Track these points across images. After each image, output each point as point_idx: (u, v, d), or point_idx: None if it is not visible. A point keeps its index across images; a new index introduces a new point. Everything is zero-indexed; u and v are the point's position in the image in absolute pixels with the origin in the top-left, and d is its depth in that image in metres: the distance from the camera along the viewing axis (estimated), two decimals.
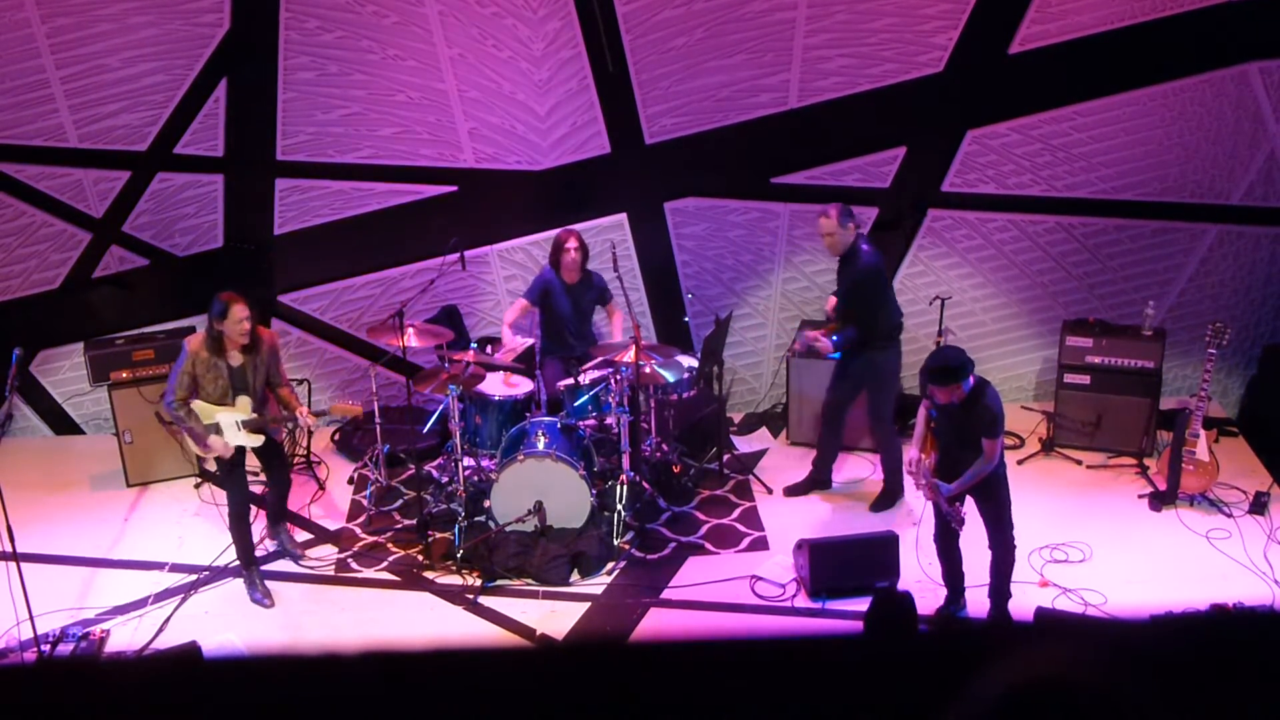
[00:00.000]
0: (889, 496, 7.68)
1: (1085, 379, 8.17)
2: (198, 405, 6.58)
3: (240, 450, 6.74)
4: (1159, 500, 7.55)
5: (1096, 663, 1.27)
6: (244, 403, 6.62)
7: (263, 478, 7.14)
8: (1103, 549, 7.08)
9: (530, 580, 6.91)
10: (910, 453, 6.29)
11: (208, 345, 6.50)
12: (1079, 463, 8.13)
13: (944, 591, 6.56)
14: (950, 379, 5.91)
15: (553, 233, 8.03)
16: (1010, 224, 8.49)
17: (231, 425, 6.62)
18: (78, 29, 7.78)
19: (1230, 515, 7.40)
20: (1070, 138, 8.21)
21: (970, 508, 6.25)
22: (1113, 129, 8.17)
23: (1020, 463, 8.03)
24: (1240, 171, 8.23)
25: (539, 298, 7.85)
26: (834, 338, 7.28)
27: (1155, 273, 8.54)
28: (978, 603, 6.51)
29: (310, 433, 8.36)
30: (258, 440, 6.71)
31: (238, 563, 7.01)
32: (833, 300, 7.53)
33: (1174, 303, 8.58)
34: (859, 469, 8.08)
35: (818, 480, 7.83)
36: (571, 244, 7.71)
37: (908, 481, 7.28)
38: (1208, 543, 7.16)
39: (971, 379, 5.97)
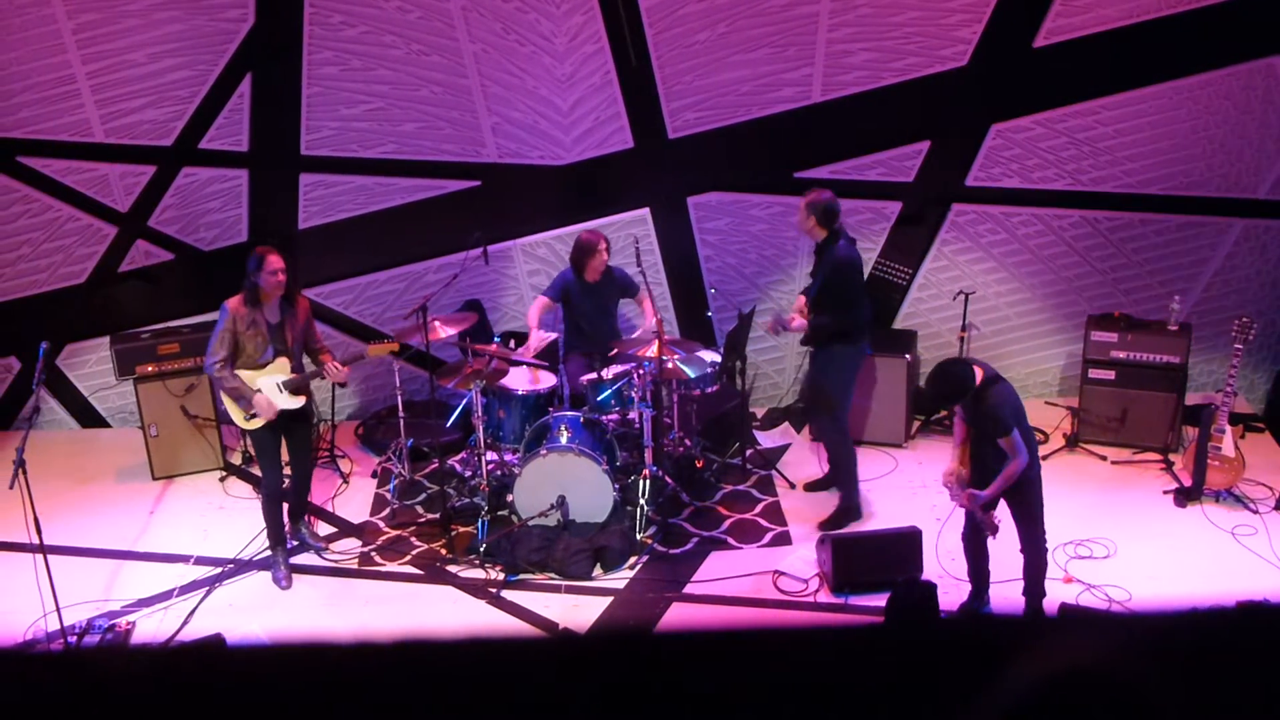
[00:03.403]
0: (844, 515, 7.37)
1: (1110, 374, 8.13)
2: (239, 373, 6.70)
3: (276, 434, 6.82)
4: (1184, 496, 7.51)
5: (1124, 656, 1.26)
6: (282, 364, 6.74)
7: (288, 471, 7.17)
8: (1127, 545, 7.04)
9: (553, 574, 6.92)
10: (948, 465, 6.21)
11: (246, 300, 6.64)
12: (1104, 458, 8.09)
13: (967, 587, 6.53)
14: (948, 403, 5.83)
15: (575, 228, 8.02)
16: (1035, 218, 8.45)
17: (273, 388, 6.72)
18: (104, 25, 7.83)
19: (1256, 511, 7.35)
20: (1095, 131, 8.16)
21: (1002, 506, 6.18)
22: (1138, 122, 8.12)
23: (1045, 458, 7.98)
24: (1266, 165, 8.17)
25: (559, 295, 7.86)
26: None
27: (1181, 267, 8.48)
28: (1002, 600, 6.48)
29: (333, 424, 8.40)
30: (298, 401, 6.81)
31: (264, 552, 7.10)
32: (802, 299, 7.36)
33: (1199, 297, 8.53)
34: (881, 464, 8.05)
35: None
36: (604, 246, 7.70)
37: (914, 491, 7.24)
38: (1233, 539, 7.12)
39: (980, 373, 5.90)
